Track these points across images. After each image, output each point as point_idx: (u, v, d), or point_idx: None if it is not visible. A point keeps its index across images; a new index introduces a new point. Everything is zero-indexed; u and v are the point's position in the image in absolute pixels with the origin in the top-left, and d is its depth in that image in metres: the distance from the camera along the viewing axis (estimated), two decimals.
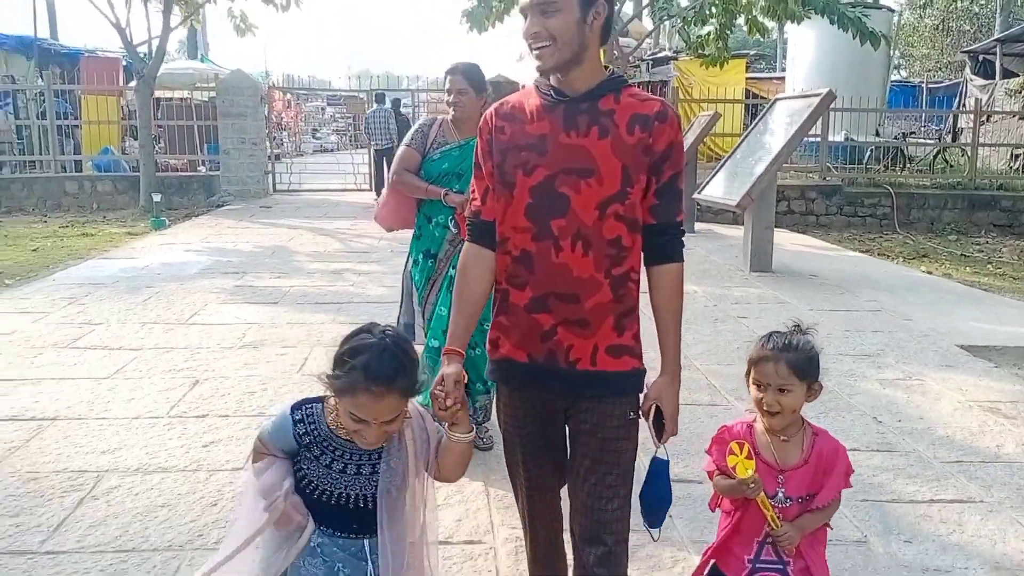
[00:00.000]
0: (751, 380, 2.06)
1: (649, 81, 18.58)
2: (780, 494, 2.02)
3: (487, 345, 2.12)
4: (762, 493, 1.98)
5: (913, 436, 4.06)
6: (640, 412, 2.05)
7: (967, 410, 4.46)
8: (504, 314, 2.04)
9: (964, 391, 4.76)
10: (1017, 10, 24.88)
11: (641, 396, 2.06)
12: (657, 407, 2.03)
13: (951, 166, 15.84)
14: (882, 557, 2.95)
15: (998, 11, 24.43)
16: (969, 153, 15.27)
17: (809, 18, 12.36)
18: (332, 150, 28.50)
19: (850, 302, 7.08)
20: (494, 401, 2.49)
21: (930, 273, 9.55)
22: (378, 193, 14.97)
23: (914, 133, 17.87)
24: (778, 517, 2.00)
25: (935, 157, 16.15)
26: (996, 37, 19.97)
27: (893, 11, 19.01)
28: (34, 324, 5.82)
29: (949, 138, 18.67)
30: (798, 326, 2.08)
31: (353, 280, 7.61)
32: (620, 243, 1.96)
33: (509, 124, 1.98)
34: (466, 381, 1.95)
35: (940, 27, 27.71)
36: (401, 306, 3.99)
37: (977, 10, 29.61)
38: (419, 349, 3.02)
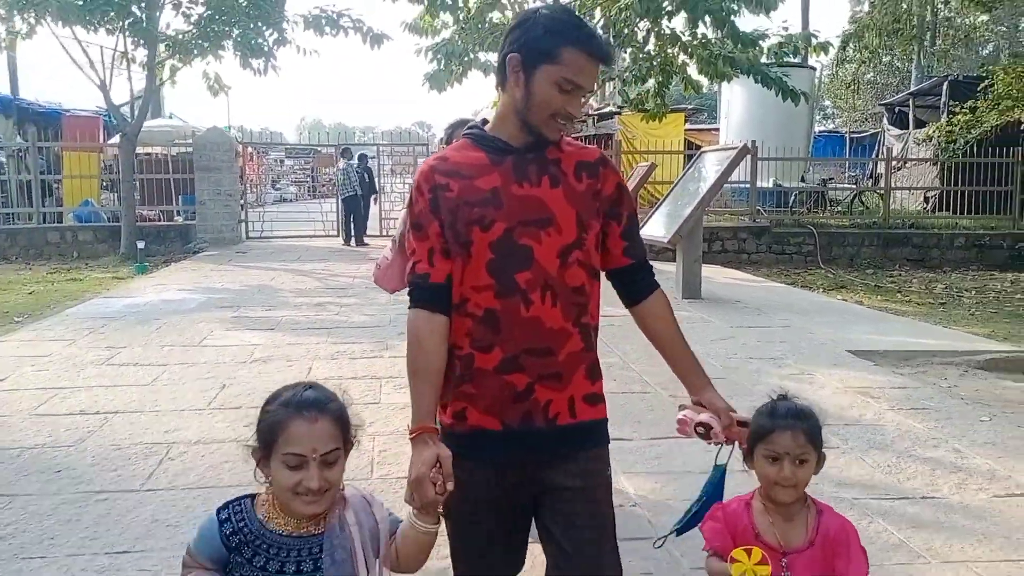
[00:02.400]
0: (759, 454, 1.91)
1: (595, 135, 20.04)
2: None
3: (449, 419, 1.96)
4: None
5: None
6: (708, 432, 2.00)
7: (843, 393, 5.66)
8: (469, 382, 1.91)
9: (844, 381, 5.97)
10: (931, 66, 27.15)
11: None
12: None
13: (867, 208, 17.45)
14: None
15: (914, 67, 26.67)
16: (883, 196, 16.91)
17: (737, 77, 13.85)
18: (291, 200, 29.51)
19: (765, 321, 8.33)
20: None
21: (845, 300, 10.91)
22: (346, 240, 16.10)
23: (833, 179, 19.53)
24: None
25: (852, 200, 17.77)
26: (909, 91, 21.96)
27: (814, 69, 20.77)
28: (67, 348, 6.75)
29: (870, 183, 20.42)
30: (784, 396, 1.99)
31: (336, 310, 8.65)
32: (583, 291, 1.95)
33: (454, 180, 1.91)
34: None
35: (853, 83, 29.93)
36: None
37: (900, 65, 31.97)
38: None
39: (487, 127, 1.98)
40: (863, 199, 17.97)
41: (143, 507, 3.65)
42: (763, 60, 13.81)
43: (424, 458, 1.79)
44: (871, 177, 19.99)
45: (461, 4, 13.47)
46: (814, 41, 13.79)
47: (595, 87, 1.83)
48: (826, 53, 14.91)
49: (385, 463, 4.20)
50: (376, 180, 17.51)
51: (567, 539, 1.91)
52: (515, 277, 1.88)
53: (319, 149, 28.19)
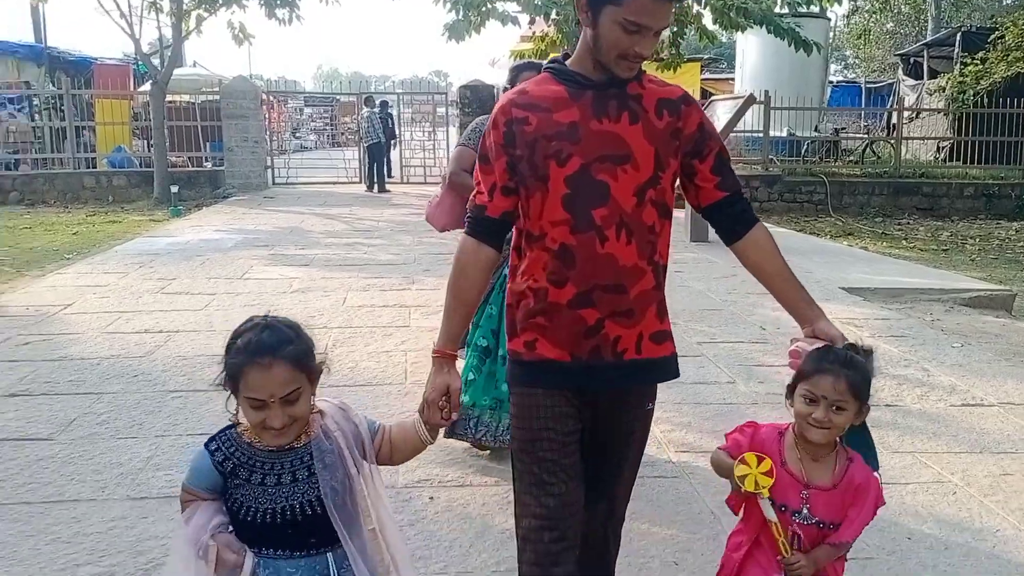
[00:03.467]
0: (798, 392, 1.92)
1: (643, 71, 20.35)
2: (805, 511, 1.92)
3: (519, 347, 1.99)
4: (776, 519, 1.90)
5: (783, 335, 5.79)
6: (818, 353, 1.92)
7: (839, 323, 6.18)
8: (542, 314, 1.94)
9: (832, 313, 6.39)
10: (948, 16, 27.02)
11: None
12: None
13: (879, 158, 17.73)
14: (744, 394, 4.65)
15: (930, 17, 26.55)
16: (894, 146, 17.18)
17: (751, 28, 14.09)
18: (311, 148, 30.01)
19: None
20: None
21: (850, 246, 11.37)
22: (369, 186, 16.64)
23: (845, 128, 19.76)
24: (791, 544, 1.91)
25: (864, 150, 18.04)
26: (924, 42, 22.01)
27: (829, 19, 20.85)
28: (121, 280, 7.38)
29: (884, 133, 20.62)
30: (854, 345, 1.96)
31: (365, 250, 9.24)
32: (655, 229, 1.95)
33: (532, 114, 1.91)
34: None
35: (864, 33, 29.82)
36: None
37: (919, 14, 31.70)
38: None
39: (568, 62, 1.98)
40: (875, 149, 18.23)
41: (213, 403, 4.25)
42: (777, 11, 14.03)
43: (436, 383, 1.92)
44: (886, 127, 20.17)
45: None
46: None
47: (667, 23, 1.84)
48: (840, 4, 15.08)
49: (417, 372, 4.77)
50: (396, 127, 17.97)
51: (596, 457, 2.04)
52: (591, 212, 1.88)
53: (339, 97, 28.55)
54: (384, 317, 6.11)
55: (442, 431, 2.19)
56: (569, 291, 1.91)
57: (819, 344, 1.95)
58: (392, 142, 17.73)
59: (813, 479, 1.93)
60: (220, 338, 4.92)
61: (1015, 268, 10.61)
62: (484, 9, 13.96)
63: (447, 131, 18.42)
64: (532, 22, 14.65)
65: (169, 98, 18.46)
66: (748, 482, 1.87)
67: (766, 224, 2.12)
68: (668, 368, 2.04)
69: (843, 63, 44.11)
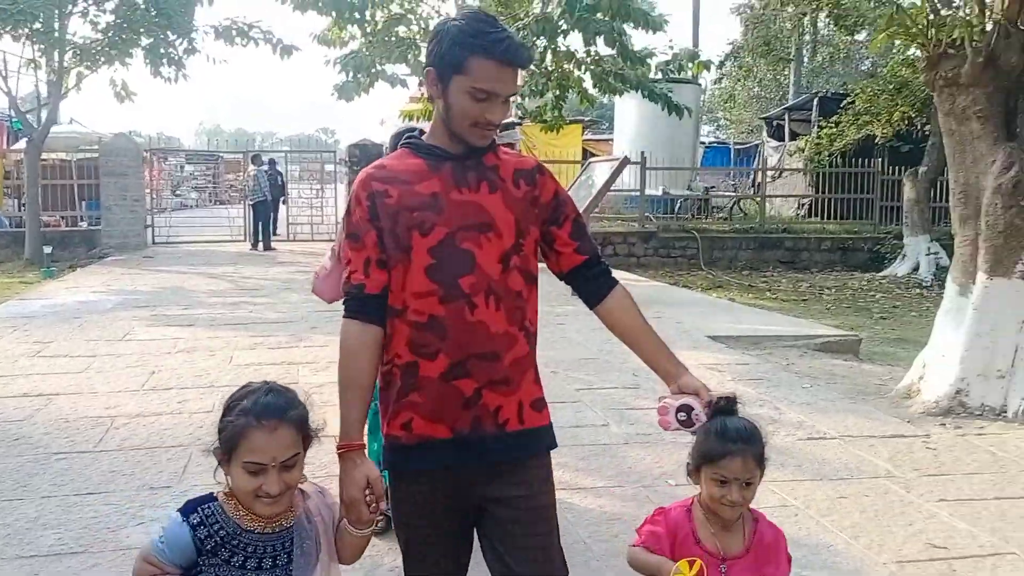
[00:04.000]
0: (707, 476, 1.94)
1: (497, 144, 21.00)
2: None
3: (395, 430, 1.93)
4: None
5: (653, 380, 6.21)
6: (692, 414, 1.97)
7: (695, 368, 6.52)
8: (415, 391, 1.89)
9: (698, 359, 7.00)
10: (808, 82, 29.26)
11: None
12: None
13: (746, 214, 18.96)
14: (616, 435, 5.00)
15: (791, 83, 28.72)
16: (759, 203, 18.44)
17: (628, 92, 14.96)
18: (192, 206, 29.40)
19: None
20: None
21: (719, 298, 12.13)
22: (254, 243, 16.54)
23: (715, 187, 21.06)
24: None
25: (732, 207, 19.26)
26: (785, 106, 23.79)
27: (699, 85, 22.28)
28: None
29: (752, 191, 22.06)
30: (731, 401, 2.01)
31: (250, 309, 9.25)
32: (522, 295, 1.97)
33: (392, 186, 1.92)
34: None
35: (730, 98, 32.04)
36: None
37: (781, 80, 34.14)
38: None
39: (424, 136, 2.02)
40: (742, 206, 19.48)
41: (99, 463, 4.29)
42: (652, 76, 14.96)
43: (354, 479, 1.84)
44: (753, 186, 21.58)
45: (368, 18, 14.12)
46: (697, 60, 14.98)
47: (515, 89, 1.91)
48: (707, 70, 16.21)
49: None
50: (283, 184, 18.02)
51: (510, 550, 1.93)
52: (459, 281, 1.88)
53: (223, 155, 28.24)
54: (272, 374, 6.16)
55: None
56: (442, 363, 1.88)
57: (685, 399, 1.97)
58: (282, 199, 17.73)
59: (728, 550, 1.96)
60: (102, 399, 4.93)
61: (865, 316, 11.58)
62: (373, 71, 14.35)
63: (335, 189, 18.56)
64: (421, 83, 15.06)
65: (44, 156, 17.95)
66: None
67: (643, 278, 2.40)
68: (550, 437, 2.03)
69: (716, 125, 46.77)
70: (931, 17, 5.48)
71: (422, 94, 15.71)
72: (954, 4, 5.89)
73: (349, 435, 1.90)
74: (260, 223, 16.58)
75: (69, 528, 3.50)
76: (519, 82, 1.99)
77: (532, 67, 15.02)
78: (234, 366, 6.44)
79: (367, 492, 1.84)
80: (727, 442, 1.91)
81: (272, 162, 17.97)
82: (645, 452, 4.68)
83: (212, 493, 1.76)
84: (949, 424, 5.42)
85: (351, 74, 14.23)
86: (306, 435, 1.75)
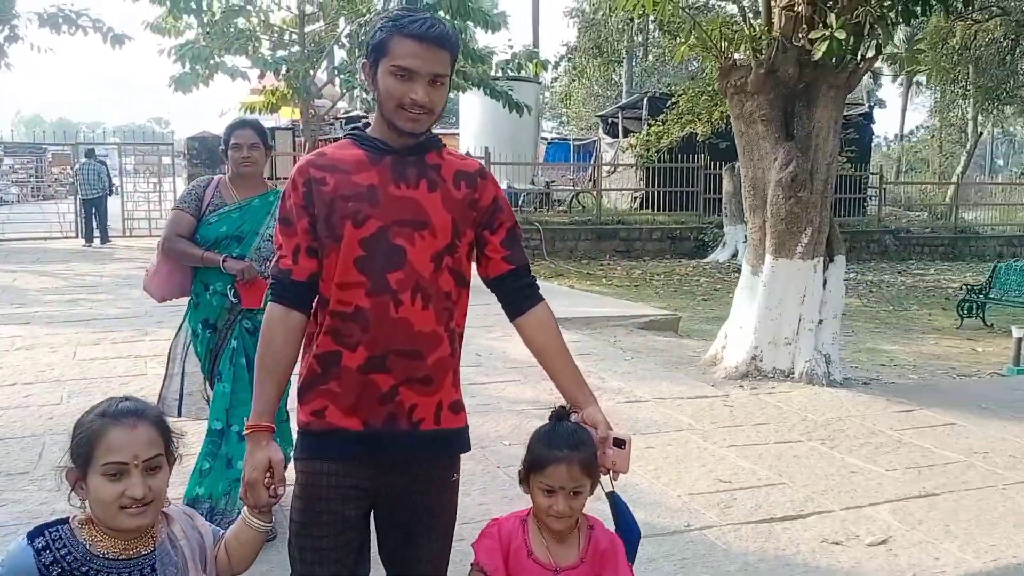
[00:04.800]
0: (535, 485, 1.91)
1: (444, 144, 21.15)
2: None
3: (307, 416, 1.91)
4: None
5: (496, 359, 6.77)
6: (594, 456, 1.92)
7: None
8: (334, 379, 1.88)
9: None
10: (641, 81, 30.93)
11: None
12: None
13: (584, 207, 20.00)
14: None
15: (624, 82, 30.31)
16: (595, 197, 19.51)
17: (470, 89, 15.46)
18: (12, 202, 27.54)
19: (484, 300, 9.84)
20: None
21: (560, 285, 12.89)
22: (88, 240, 15.88)
23: (555, 182, 22.06)
24: None
25: (571, 200, 20.27)
26: (618, 105, 25.14)
27: (540, 83, 23.16)
28: None
29: (590, 185, 23.23)
30: (563, 411, 1.98)
31: (90, 305, 9.07)
32: (452, 297, 1.94)
33: (331, 175, 1.91)
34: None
35: (566, 97, 33.52)
36: (165, 379, 3.75)
37: (615, 80, 35.82)
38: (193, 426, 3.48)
39: (368, 129, 2.00)
40: (580, 199, 20.51)
41: None
42: (493, 74, 15.54)
43: (257, 461, 1.83)
44: (591, 180, 22.71)
45: (205, 7, 13.87)
46: (535, 59, 15.70)
47: (439, 68, 1.87)
48: (545, 70, 17.02)
49: None
50: (112, 179, 17.34)
51: (403, 548, 1.97)
52: (387, 276, 1.87)
53: (49, 147, 26.60)
54: (119, 368, 6.26)
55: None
56: (361, 355, 1.87)
57: (602, 437, 1.92)
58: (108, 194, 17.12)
59: (561, 561, 1.91)
60: None
61: (688, 298, 12.70)
62: (212, 63, 14.12)
63: (174, 182, 18.04)
64: (262, 76, 14.95)
65: None
66: None
67: None
68: (464, 440, 2.03)
69: (559, 121, 48.33)
70: (722, 32, 6.29)
71: (264, 86, 15.60)
72: (741, 21, 6.75)
73: (259, 416, 1.89)
74: (96, 218, 15.91)
75: None
76: (446, 65, 1.90)
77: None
78: (78, 361, 6.44)
79: (267, 475, 1.82)
80: (552, 449, 1.87)
81: (92, 152, 17.20)
82: (484, 420, 5.18)
83: (66, 517, 1.63)
84: (746, 385, 6.27)
85: (188, 65, 13.96)
86: (168, 445, 1.66)
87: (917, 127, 48.01)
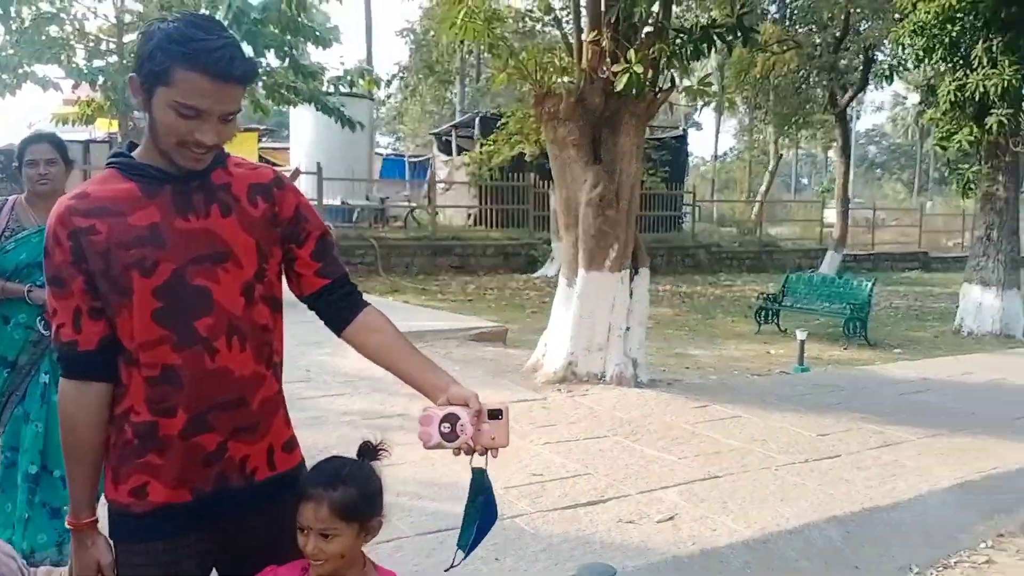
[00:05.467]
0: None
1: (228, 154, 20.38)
2: None
3: (123, 497, 1.71)
4: None
5: (326, 373, 6.95)
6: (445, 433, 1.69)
7: (360, 359, 7.47)
8: (153, 451, 1.68)
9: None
10: (474, 101, 31.72)
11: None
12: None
13: (420, 224, 20.34)
14: None
15: (457, 101, 31.01)
16: (431, 213, 19.90)
17: (300, 104, 15.42)
18: None
19: (310, 317, 10.03)
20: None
21: (396, 301, 13.12)
22: None
23: (389, 198, 22.28)
24: None
25: (407, 216, 20.57)
26: (452, 123, 25.71)
27: (373, 100, 23.32)
28: None
29: (425, 201, 23.58)
30: (367, 445, 1.78)
31: None
32: (269, 327, 1.78)
33: (100, 220, 1.64)
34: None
35: (398, 115, 34.00)
36: None
37: (448, 98, 36.50)
38: None
39: (135, 153, 1.72)
40: (415, 216, 20.84)
41: None
42: (325, 89, 15.59)
43: (85, 564, 1.69)
44: (426, 196, 23.07)
45: (14, 14, 13.16)
46: (368, 76, 15.88)
47: (233, 107, 1.65)
48: (378, 87, 17.22)
49: None
50: None
51: None
52: (194, 325, 1.66)
53: None
54: None
55: None
56: (180, 419, 1.67)
57: (452, 408, 1.71)
58: None
59: None
60: None
61: (519, 311, 13.27)
62: (21, 71, 13.36)
63: None
64: (76, 86, 14.30)
65: None
66: None
67: None
68: (300, 474, 1.84)
69: (395, 136, 48.51)
70: (537, 63, 6.83)
71: (78, 97, 14.90)
72: (557, 51, 7.33)
73: (79, 511, 1.72)
74: None
75: None
76: (240, 99, 1.68)
77: None
78: None
79: None
80: (308, 485, 1.71)
81: None
82: (312, 432, 5.35)
83: None
84: (563, 389, 6.79)
85: None
86: None
87: (731, 148, 51.83)
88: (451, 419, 1.70)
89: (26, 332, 3.23)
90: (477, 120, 22.48)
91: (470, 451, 1.70)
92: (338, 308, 1.90)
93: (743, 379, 8.45)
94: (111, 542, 1.76)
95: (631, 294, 7.07)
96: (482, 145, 20.52)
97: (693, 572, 3.70)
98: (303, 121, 21.14)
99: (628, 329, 7.07)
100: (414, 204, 21.77)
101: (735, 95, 21.74)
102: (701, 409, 6.39)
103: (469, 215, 21.83)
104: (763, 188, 29.47)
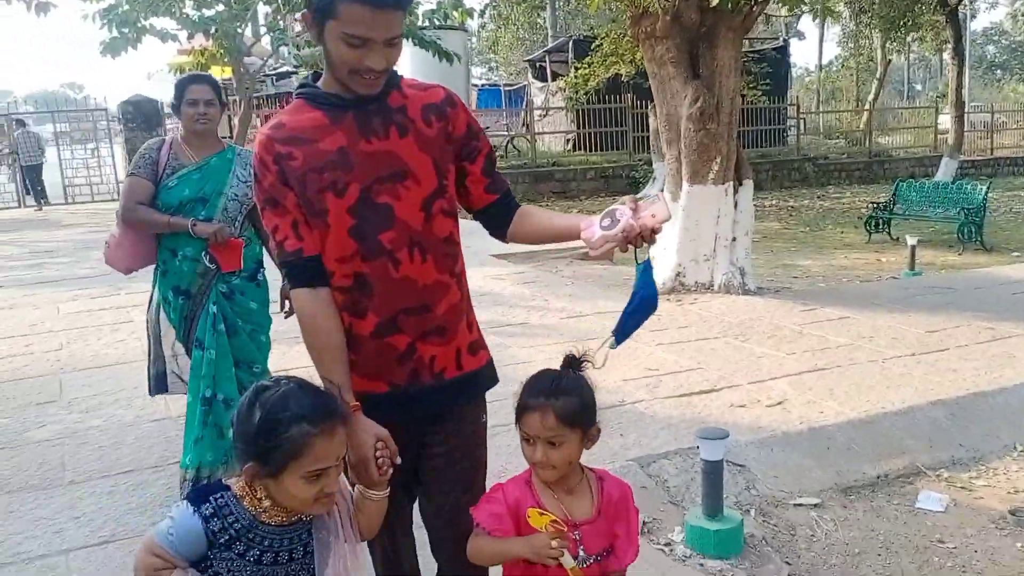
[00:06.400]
0: (520, 433, 1.82)
1: (275, 93, 21.20)
2: (581, 552, 1.79)
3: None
4: (574, 564, 1.74)
5: None
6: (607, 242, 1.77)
7: (482, 279, 8.00)
8: (351, 350, 1.86)
9: (484, 273, 8.33)
10: (566, 24, 31.41)
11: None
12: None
13: (519, 151, 20.63)
14: None
15: (549, 27, 30.74)
16: (530, 140, 20.15)
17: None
18: None
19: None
20: None
21: None
22: (39, 204, 16.05)
23: (489, 128, 22.57)
24: None
25: (506, 145, 20.87)
26: (545, 49, 25.61)
27: (467, 31, 23.48)
28: None
29: (523, 129, 23.80)
30: (571, 358, 1.86)
31: (56, 268, 9.46)
32: (452, 239, 1.91)
33: (296, 148, 1.81)
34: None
35: (493, 44, 33.86)
36: (149, 355, 3.60)
37: (541, 23, 36.15)
38: (175, 400, 3.75)
39: (319, 82, 1.87)
40: (515, 144, 21.12)
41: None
42: (420, 24, 15.91)
43: (361, 441, 1.78)
44: (524, 125, 23.27)
45: None
46: (460, 8, 16.07)
47: (395, 32, 1.74)
48: (470, 17, 17.42)
49: None
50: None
51: (437, 480, 1.98)
52: (379, 238, 1.82)
53: None
54: (105, 317, 6.80)
55: None
56: (371, 321, 1.85)
57: (612, 207, 1.80)
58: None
59: (577, 515, 1.83)
60: None
61: None
62: (139, 26, 14.20)
63: (111, 148, 18.08)
64: (191, 36, 15.05)
65: None
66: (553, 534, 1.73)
67: None
68: (489, 376, 2.03)
69: (488, 67, 48.45)
70: None
71: (192, 47, 15.69)
72: None
73: (347, 399, 1.82)
74: (38, 185, 16.13)
75: None
76: (400, 23, 1.77)
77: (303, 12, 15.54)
78: (64, 315, 6.95)
79: (377, 449, 1.78)
80: (529, 396, 1.80)
81: (23, 122, 17.48)
82: None
83: (222, 481, 1.69)
84: (672, 298, 7.12)
85: (115, 29, 13.99)
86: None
87: (836, 57, 49.48)
88: (609, 214, 1.78)
89: (193, 264, 3.35)
90: (570, 44, 22.37)
91: (633, 236, 1.76)
92: (503, 219, 2.04)
93: (851, 285, 8.55)
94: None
95: (736, 206, 7.26)
96: (577, 69, 20.52)
97: (801, 447, 4.05)
98: (402, 57, 21.50)
99: (734, 239, 7.29)
100: (512, 133, 22.02)
101: (837, 1, 20.79)
102: (808, 312, 6.61)
103: (567, 140, 21.94)
104: (871, 96, 28.24)
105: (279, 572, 1.63)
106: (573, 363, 1.85)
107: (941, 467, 4.09)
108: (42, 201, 16.25)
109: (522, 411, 1.80)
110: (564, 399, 1.77)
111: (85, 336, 6.17)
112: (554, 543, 1.70)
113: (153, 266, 3.47)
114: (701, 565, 3.15)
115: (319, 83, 1.87)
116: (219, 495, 1.63)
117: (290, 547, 1.65)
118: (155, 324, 3.51)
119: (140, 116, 16.36)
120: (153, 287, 3.51)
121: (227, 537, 1.60)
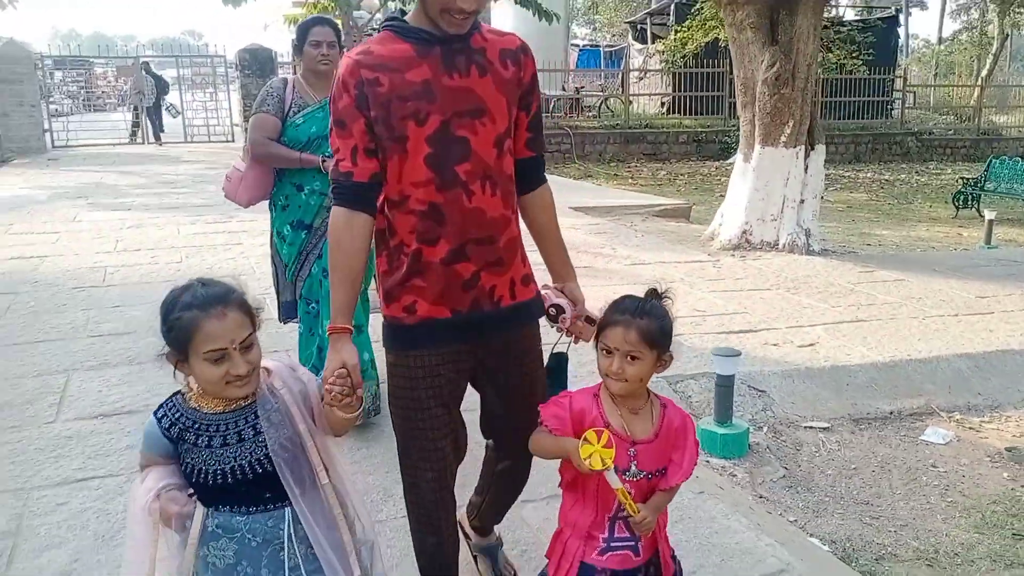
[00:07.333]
0: (599, 346, 1.93)
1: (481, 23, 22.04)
2: (633, 467, 1.91)
3: (397, 312, 2.01)
4: (621, 486, 1.84)
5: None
6: (559, 319, 2.15)
7: (566, 229, 8.49)
8: (419, 275, 1.97)
9: (561, 223, 8.82)
10: None
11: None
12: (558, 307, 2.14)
13: (613, 112, 20.87)
14: None
15: None
16: (623, 101, 20.35)
17: None
18: (67, 113, 28.96)
19: None
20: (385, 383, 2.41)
21: (587, 184, 14.03)
22: (159, 141, 17.42)
23: (585, 87, 22.83)
24: (632, 496, 1.87)
25: (600, 106, 21.13)
26: (647, 11, 25.56)
27: None
28: None
29: (620, 90, 23.95)
30: (654, 290, 1.97)
31: (176, 197, 10.46)
32: (512, 177, 2.04)
33: (383, 74, 1.89)
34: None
35: (595, 5, 33.69)
36: (277, 285, 3.73)
37: None
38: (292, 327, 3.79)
39: (408, 17, 1.97)
40: (610, 104, 21.36)
41: (109, 295, 5.75)
42: None
43: (331, 364, 1.86)
44: (620, 86, 23.42)
45: None
46: None
47: None
48: None
49: (263, 263, 6.41)
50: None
51: (500, 389, 2.14)
52: (455, 169, 1.91)
53: (94, 61, 28.06)
54: (219, 239, 7.64)
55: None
56: (443, 248, 1.95)
57: (563, 300, 2.17)
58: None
59: (637, 434, 1.93)
60: (86, 258, 6.58)
61: (707, 195, 13.76)
62: None
63: (228, 93, 19.30)
64: None
65: None
66: (595, 461, 1.80)
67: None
68: (538, 306, 2.16)
69: (591, 28, 48.24)
70: None
71: (306, 0, 16.50)
72: None
73: (336, 318, 1.95)
74: (158, 124, 17.54)
75: (105, 337, 5.04)
76: None
77: None
78: (183, 235, 7.84)
79: (339, 376, 1.84)
80: (615, 313, 1.92)
81: (148, 65, 18.96)
82: None
83: (180, 391, 1.84)
84: (736, 255, 7.49)
85: None
86: (252, 316, 1.77)
87: (960, 29, 47.11)
88: (557, 308, 2.16)
89: (320, 198, 3.47)
90: (672, 7, 22.30)
91: (562, 332, 2.16)
92: (530, 179, 2.15)
93: (916, 253, 8.68)
94: (358, 350, 2.02)
95: (806, 169, 7.53)
96: (676, 32, 20.54)
97: (822, 381, 4.47)
98: (502, 15, 22.00)
99: (802, 201, 7.57)
100: (608, 93, 22.23)
101: None
102: (866, 273, 6.88)
103: (662, 103, 22.01)
104: (984, 72, 27.05)
105: (231, 453, 1.75)
106: (656, 294, 1.98)
107: (955, 410, 4.44)
108: (160, 135, 17.71)
109: (606, 325, 1.92)
110: (648, 320, 1.89)
111: (201, 252, 7.01)
112: (586, 460, 1.80)
113: (267, 201, 3.63)
114: (707, 462, 3.66)
115: (407, 18, 1.98)
116: (170, 400, 1.82)
117: (237, 430, 1.77)
118: (277, 256, 3.65)
119: (256, 64, 17.40)
120: (275, 222, 3.61)
121: (177, 431, 1.77)
